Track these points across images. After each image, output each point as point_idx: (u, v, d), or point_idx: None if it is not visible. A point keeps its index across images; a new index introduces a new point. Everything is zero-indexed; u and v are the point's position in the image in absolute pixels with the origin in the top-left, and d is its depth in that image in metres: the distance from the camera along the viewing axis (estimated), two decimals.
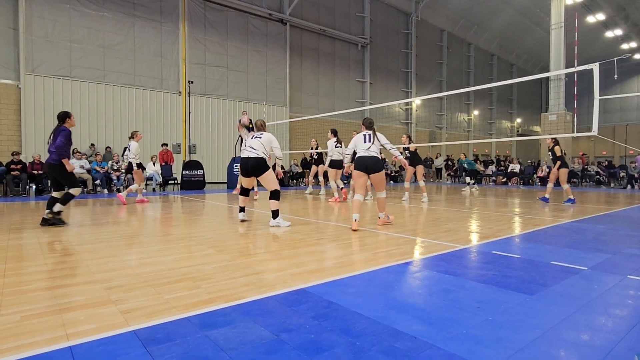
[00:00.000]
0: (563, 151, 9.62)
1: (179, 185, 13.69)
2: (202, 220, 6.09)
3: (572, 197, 8.89)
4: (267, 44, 17.83)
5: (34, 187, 11.07)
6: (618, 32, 26.90)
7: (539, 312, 2.19)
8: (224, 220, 5.99)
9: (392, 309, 2.24)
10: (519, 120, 34.76)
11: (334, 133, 9.11)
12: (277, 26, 18.17)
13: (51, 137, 5.42)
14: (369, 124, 5.37)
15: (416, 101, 25.05)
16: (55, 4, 12.71)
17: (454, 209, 7.75)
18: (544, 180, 17.26)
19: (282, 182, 15.95)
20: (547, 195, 9.32)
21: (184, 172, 13.47)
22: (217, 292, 2.52)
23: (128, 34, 14.20)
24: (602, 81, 6.65)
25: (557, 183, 9.35)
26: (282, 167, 6.30)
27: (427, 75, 26.18)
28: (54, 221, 5.28)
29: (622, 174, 17.46)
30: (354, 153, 5.50)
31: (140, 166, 8.72)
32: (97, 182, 11.77)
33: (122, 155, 12.91)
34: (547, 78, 25.09)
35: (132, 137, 8.68)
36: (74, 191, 5.52)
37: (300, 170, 16.79)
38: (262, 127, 5.76)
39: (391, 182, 19.07)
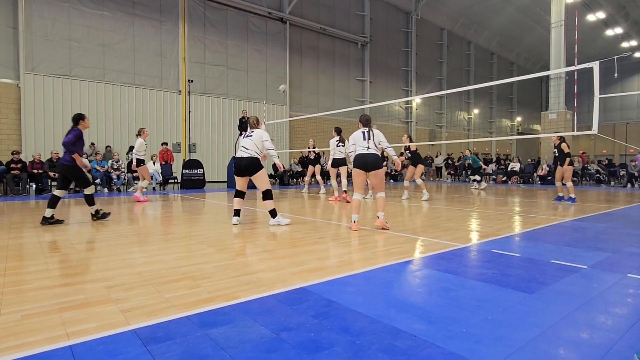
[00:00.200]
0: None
1: (179, 185, 13.69)
2: (202, 220, 6.10)
3: (573, 195, 8.88)
4: (267, 42, 17.81)
5: (34, 186, 11.07)
6: (618, 30, 26.86)
7: (539, 310, 2.19)
8: (224, 219, 5.99)
9: (392, 307, 2.24)
10: (519, 118, 34.73)
11: (337, 132, 9.08)
12: (277, 25, 18.15)
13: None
14: (365, 121, 5.25)
15: (416, 100, 25.02)
16: (55, 3, 12.69)
17: (454, 207, 7.75)
18: (543, 179, 17.26)
19: (282, 181, 16.00)
20: (561, 194, 9.08)
21: (184, 171, 13.47)
22: (217, 291, 2.52)
23: (128, 32, 14.18)
24: (602, 79, 6.63)
25: (554, 182, 9.32)
26: (283, 166, 6.25)
27: (427, 73, 26.15)
28: (98, 218, 5.68)
29: (622, 173, 17.45)
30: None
31: (141, 163, 8.67)
32: (97, 181, 11.76)
33: (127, 153, 12.95)
34: (547, 76, 25.06)
35: (139, 134, 8.69)
36: (87, 190, 5.65)
37: (300, 169, 16.78)
38: (255, 125, 5.62)
39: (391, 180, 19.08)
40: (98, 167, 11.87)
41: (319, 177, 11.51)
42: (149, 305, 2.27)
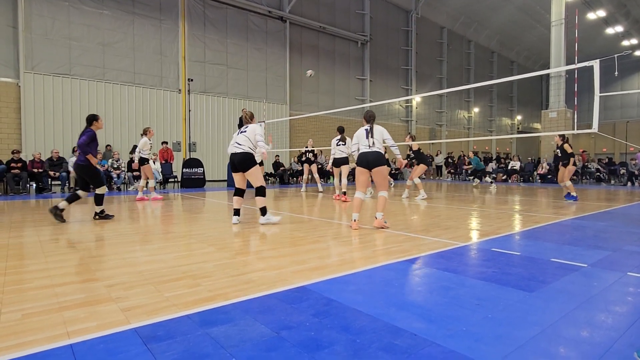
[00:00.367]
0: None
1: (179, 183, 13.70)
2: (202, 218, 6.10)
3: (574, 194, 8.87)
4: (267, 41, 17.79)
5: (34, 185, 11.06)
6: (619, 28, 26.81)
7: (539, 309, 2.19)
8: (224, 218, 5.99)
9: (392, 306, 2.24)
10: (519, 117, 34.70)
11: (339, 131, 9.07)
12: (277, 24, 18.12)
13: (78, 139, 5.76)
14: (368, 118, 5.18)
15: (416, 98, 24.99)
16: (55, 2, 12.67)
17: (454, 206, 7.75)
18: (544, 178, 17.27)
19: (281, 180, 15.99)
20: (573, 193, 8.99)
21: (184, 170, 13.47)
22: (217, 290, 2.52)
23: (127, 31, 14.16)
24: (603, 78, 6.63)
25: (554, 180, 9.31)
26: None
27: (427, 72, 26.12)
28: (100, 218, 5.72)
29: (622, 171, 17.46)
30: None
31: (145, 162, 8.64)
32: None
33: (130, 152, 12.96)
34: (548, 75, 25.05)
35: (144, 133, 8.69)
36: (99, 190, 5.74)
37: (300, 167, 16.78)
38: (249, 119, 5.54)
39: (392, 181, 19.06)
40: (98, 166, 11.86)
41: (316, 176, 11.64)
42: (149, 304, 2.27)
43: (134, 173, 12.46)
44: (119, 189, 12.09)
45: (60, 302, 2.30)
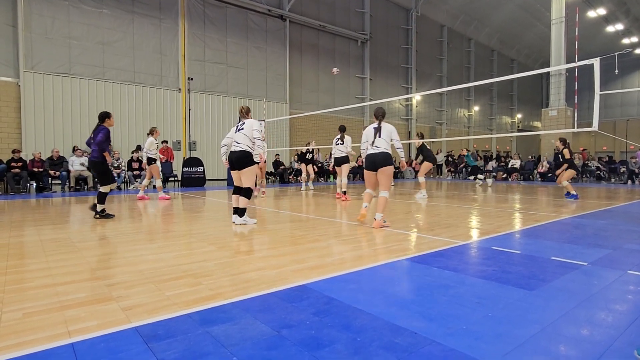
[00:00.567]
0: (572, 154, 9.56)
1: (179, 183, 13.70)
2: (202, 217, 6.10)
3: (574, 192, 8.88)
4: (267, 40, 17.77)
5: (34, 184, 11.07)
6: (619, 26, 26.76)
7: (539, 307, 2.20)
8: (225, 217, 5.99)
9: (392, 305, 2.25)
10: (519, 115, 34.67)
11: (340, 130, 9.07)
12: (277, 22, 18.10)
13: (92, 136, 5.97)
14: (378, 114, 5.11)
15: (416, 97, 24.97)
16: (54, 1, 12.65)
17: (454, 205, 7.75)
18: (544, 176, 17.28)
19: (282, 179, 15.99)
20: (573, 192, 9.04)
21: (184, 169, 13.48)
22: (217, 289, 2.52)
23: (127, 30, 14.15)
24: (603, 76, 6.62)
25: (554, 179, 9.34)
26: (264, 159, 6.37)
27: (427, 71, 26.09)
28: (101, 217, 5.76)
29: (622, 170, 17.45)
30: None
31: (152, 161, 8.70)
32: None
33: (133, 152, 12.98)
34: (548, 73, 25.03)
35: (150, 133, 8.71)
36: (103, 188, 5.86)
37: (299, 167, 16.79)
38: (245, 114, 5.49)
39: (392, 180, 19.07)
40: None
41: (311, 175, 12.04)
42: (150, 303, 2.27)
43: (134, 172, 12.47)
44: (119, 188, 12.09)
45: (61, 301, 2.30)
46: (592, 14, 24.65)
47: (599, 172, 17.58)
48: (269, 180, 16.20)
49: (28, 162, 10.95)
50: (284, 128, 18.13)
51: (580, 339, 1.80)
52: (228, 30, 16.61)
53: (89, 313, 2.12)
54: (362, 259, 3.34)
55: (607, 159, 19.49)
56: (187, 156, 14.83)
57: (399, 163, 5.84)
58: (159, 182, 8.89)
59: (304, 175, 12.06)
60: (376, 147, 4.93)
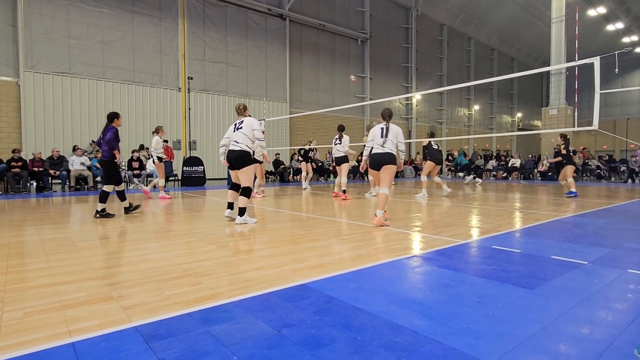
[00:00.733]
0: (570, 149, 9.61)
1: (180, 182, 13.70)
2: (202, 217, 6.10)
3: (574, 190, 8.90)
4: (267, 39, 17.76)
5: (34, 184, 11.07)
6: (619, 25, 26.74)
7: (539, 306, 2.20)
8: (225, 217, 5.99)
9: (392, 304, 2.25)
10: (519, 114, 34.65)
11: (338, 129, 9.07)
12: (277, 21, 18.09)
13: (101, 137, 6.11)
14: (385, 115, 5.20)
15: (416, 96, 24.96)
16: (54, 0, 12.64)
17: (454, 203, 7.75)
18: (544, 175, 17.27)
19: (282, 178, 15.99)
20: (573, 190, 9.05)
21: (185, 168, 13.48)
22: (218, 288, 2.53)
23: (127, 30, 14.14)
24: (603, 75, 6.62)
25: (554, 178, 9.39)
26: (268, 158, 6.54)
27: (428, 70, 26.07)
28: (101, 216, 5.85)
29: (622, 168, 17.44)
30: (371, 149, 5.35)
31: (160, 160, 8.72)
32: (98, 179, 11.77)
33: (137, 151, 12.98)
34: (548, 72, 24.99)
35: (156, 131, 8.72)
36: (107, 188, 6.06)
37: (299, 165, 16.81)
38: (242, 112, 5.48)
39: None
40: (99, 165, 11.86)
41: (309, 174, 12.13)
42: (150, 302, 2.27)
43: (134, 172, 12.47)
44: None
45: (62, 301, 2.30)
46: (592, 12, 24.63)
47: (599, 171, 17.57)
48: (269, 180, 16.20)
49: (28, 161, 10.95)
50: (284, 127, 18.13)
51: (580, 338, 1.80)
52: (228, 30, 16.60)
53: (90, 312, 2.12)
54: (362, 258, 3.34)
55: (607, 157, 19.48)
56: (187, 155, 14.82)
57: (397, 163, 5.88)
58: (161, 182, 8.90)
59: (304, 173, 12.12)
60: (382, 146, 5.02)
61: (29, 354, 1.65)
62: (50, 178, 11.13)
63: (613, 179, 17.59)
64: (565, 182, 9.09)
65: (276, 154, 16.58)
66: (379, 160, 5.00)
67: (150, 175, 12.83)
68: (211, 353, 1.66)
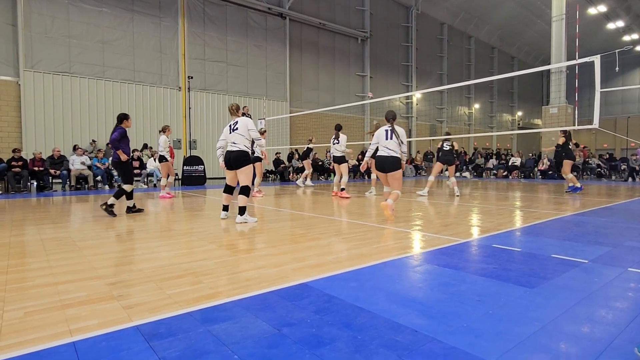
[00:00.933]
0: (570, 143, 9.66)
1: (180, 181, 13.70)
2: (203, 216, 6.11)
3: (578, 185, 8.92)
4: (267, 38, 17.74)
5: (35, 183, 11.07)
6: (620, 23, 26.69)
7: (540, 305, 2.20)
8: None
9: (393, 303, 2.25)
10: (519, 113, 34.61)
11: (335, 129, 9.08)
12: (277, 20, 18.07)
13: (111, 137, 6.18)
14: (390, 117, 5.32)
15: (417, 95, 24.94)
16: (54, 0, 12.63)
17: (454, 202, 7.75)
18: (544, 174, 17.26)
19: (282, 177, 15.99)
20: (575, 184, 9.08)
21: (185, 167, 13.48)
22: (218, 287, 2.53)
23: (127, 29, 14.13)
24: (604, 73, 6.61)
25: (555, 176, 9.43)
26: (266, 156, 6.70)
27: (428, 68, 26.05)
28: (106, 211, 5.86)
29: (623, 167, 17.44)
30: (376, 149, 5.44)
31: (163, 159, 8.77)
32: (98, 178, 11.78)
33: (140, 150, 13.00)
34: (548, 71, 24.95)
35: (162, 131, 8.74)
36: (126, 187, 6.12)
37: (301, 165, 16.79)
38: (235, 112, 5.49)
39: None
40: (99, 165, 11.88)
41: (307, 172, 12.23)
42: (151, 301, 2.28)
43: (134, 171, 12.46)
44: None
45: (62, 300, 2.30)
46: (592, 11, 24.57)
47: (599, 169, 17.57)
48: (269, 179, 16.21)
49: (28, 161, 10.95)
50: (284, 126, 18.12)
51: (580, 337, 1.80)
52: (228, 29, 16.59)
53: (90, 312, 2.12)
54: (362, 257, 3.34)
55: (607, 156, 19.47)
56: (188, 155, 14.82)
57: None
58: (163, 181, 8.91)
59: (306, 172, 12.17)
60: (387, 148, 5.21)
61: (29, 354, 1.65)
62: (50, 177, 11.14)
63: (613, 177, 17.58)
64: (569, 176, 9.14)
65: (276, 153, 16.57)
66: (385, 165, 5.26)
67: (150, 174, 12.83)
68: (211, 352, 1.66)
